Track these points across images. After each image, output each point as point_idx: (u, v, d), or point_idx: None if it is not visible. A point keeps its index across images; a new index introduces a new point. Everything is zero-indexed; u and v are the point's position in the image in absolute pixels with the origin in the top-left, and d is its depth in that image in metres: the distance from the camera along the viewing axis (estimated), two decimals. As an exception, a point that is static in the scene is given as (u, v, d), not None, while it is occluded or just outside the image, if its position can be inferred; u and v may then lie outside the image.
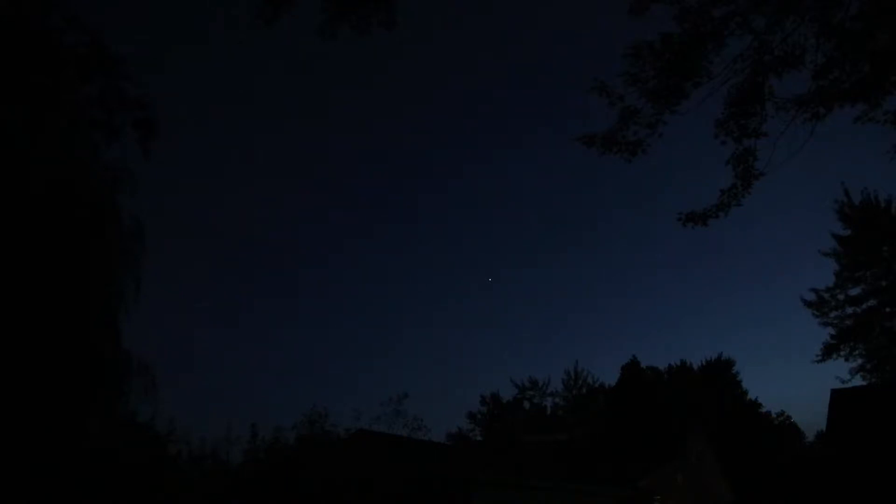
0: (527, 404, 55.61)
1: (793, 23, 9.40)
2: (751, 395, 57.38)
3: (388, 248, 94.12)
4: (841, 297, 38.28)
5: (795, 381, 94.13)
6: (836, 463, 26.49)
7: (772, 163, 9.45)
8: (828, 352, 37.70)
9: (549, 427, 45.76)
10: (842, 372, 37.20)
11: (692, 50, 9.26)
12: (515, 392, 56.12)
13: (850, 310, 37.95)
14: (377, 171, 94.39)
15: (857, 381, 36.45)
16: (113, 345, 20.37)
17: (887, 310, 37.14)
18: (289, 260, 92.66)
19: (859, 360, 37.21)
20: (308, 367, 79.51)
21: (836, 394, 27.68)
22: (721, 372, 56.99)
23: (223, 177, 77.04)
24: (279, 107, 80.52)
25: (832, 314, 38.51)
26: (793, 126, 9.83)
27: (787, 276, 78.50)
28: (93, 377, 17.29)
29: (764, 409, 58.50)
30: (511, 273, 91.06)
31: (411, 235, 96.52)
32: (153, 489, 20.39)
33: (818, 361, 37.98)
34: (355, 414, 20.85)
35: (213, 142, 73.95)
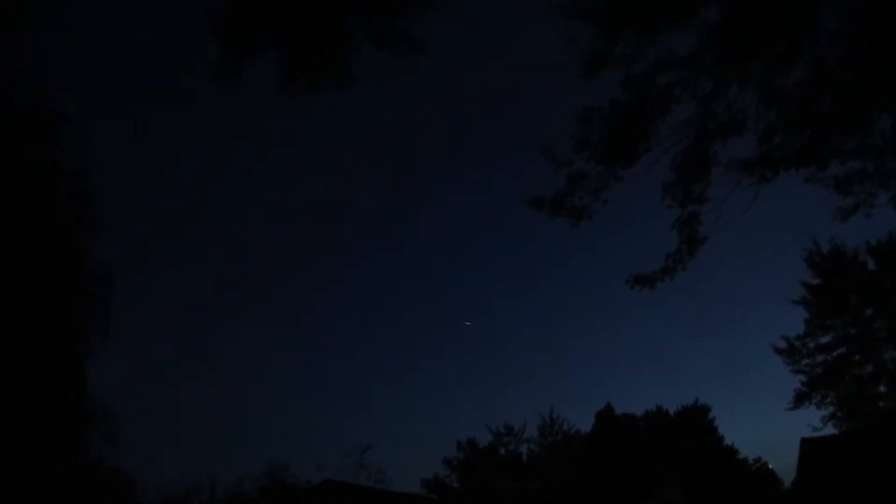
0: (503, 450, 55.28)
1: (737, 89, 9.75)
2: (728, 441, 57.42)
3: (361, 295, 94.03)
4: (811, 344, 38.60)
5: (772, 426, 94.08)
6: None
7: (719, 224, 9.71)
8: (799, 399, 37.92)
9: (525, 474, 45.43)
10: (815, 419, 37.42)
11: (640, 116, 9.56)
12: (491, 438, 55.87)
13: (820, 357, 38.25)
14: (343, 220, 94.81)
15: (829, 429, 36.65)
16: (78, 391, 20.18)
17: (857, 357, 37.48)
18: (257, 310, 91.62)
19: (830, 408, 37.45)
20: (282, 421, 77.65)
21: (805, 443, 27.74)
22: (697, 418, 57.01)
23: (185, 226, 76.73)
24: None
25: (803, 362, 38.79)
26: (740, 188, 10.15)
27: (763, 322, 78.89)
28: (55, 423, 17.16)
29: (741, 456, 58.53)
30: (486, 319, 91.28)
31: (382, 284, 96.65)
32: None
33: (790, 409, 38.20)
34: (318, 466, 20.68)
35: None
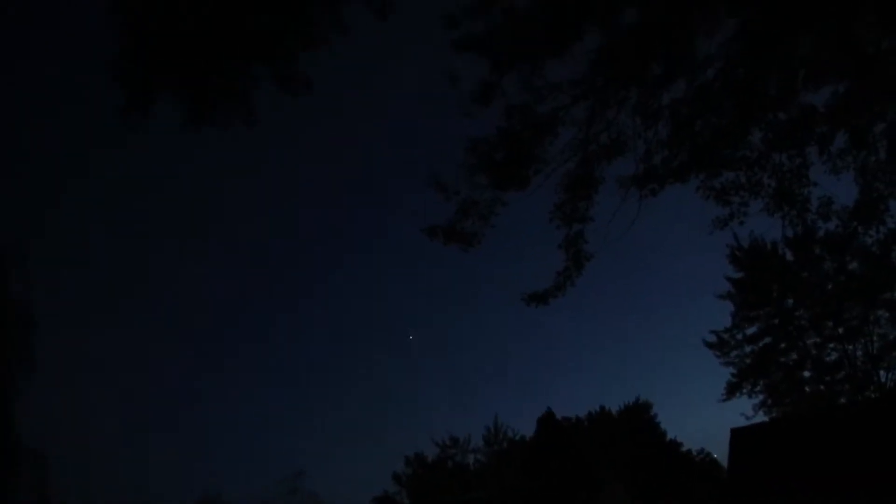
0: (450, 463, 55.43)
1: (615, 111, 10.25)
2: (671, 436, 58.71)
3: (300, 312, 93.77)
4: (739, 336, 40.03)
5: (711, 418, 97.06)
6: (741, 499, 27.38)
7: (607, 239, 10.19)
8: (731, 390, 39.24)
9: (472, 484, 45.67)
10: (747, 409, 38.74)
11: (527, 142, 9.98)
12: (438, 451, 55.96)
13: (748, 348, 39.68)
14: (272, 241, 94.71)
15: (761, 417, 38.01)
16: (4, 433, 19.76)
17: (782, 346, 38.99)
18: (187, 335, 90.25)
19: (760, 397, 38.84)
20: (222, 450, 76.22)
21: (735, 432, 28.70)
22: (640, 415, 58.18)
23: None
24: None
25: (733, 353, 40.19)
26: (627, 204, 10.66)
27: (698, 317, 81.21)
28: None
29: (685, 448, 59.91)
30: (424, 333, 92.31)
31: (315, 305, 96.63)
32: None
33: (724, 400, 39.49)
34: (249, 495, 20.61)
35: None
